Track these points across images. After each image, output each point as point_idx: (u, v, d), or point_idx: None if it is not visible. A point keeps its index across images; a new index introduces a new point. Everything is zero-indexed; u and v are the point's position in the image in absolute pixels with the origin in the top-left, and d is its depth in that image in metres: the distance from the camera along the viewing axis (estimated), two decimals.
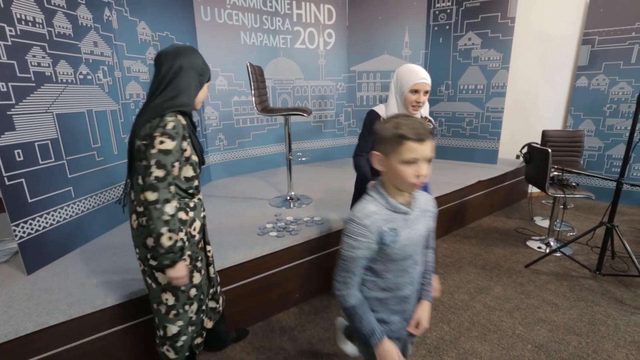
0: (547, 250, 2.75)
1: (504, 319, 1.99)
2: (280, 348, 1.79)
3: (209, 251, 1.49)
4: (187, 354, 1.38)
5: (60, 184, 1.85)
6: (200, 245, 1.36)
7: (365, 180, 1.74)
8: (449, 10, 3.84)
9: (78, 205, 1.96)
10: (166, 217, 1.08)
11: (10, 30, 1.60)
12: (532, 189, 4.10)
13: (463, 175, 3.42)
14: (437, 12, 3.91)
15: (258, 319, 2.00)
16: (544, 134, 3.47)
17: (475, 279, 2.42)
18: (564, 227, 3.23)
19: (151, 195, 1.07)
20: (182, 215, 1.22)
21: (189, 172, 1.21)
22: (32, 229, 1.68)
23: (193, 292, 1.32)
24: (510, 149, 3.92)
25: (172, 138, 1.10)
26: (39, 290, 1.53)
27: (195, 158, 1.23)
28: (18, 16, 1.63)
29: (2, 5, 1.57)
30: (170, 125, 1.10)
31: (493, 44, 3.67)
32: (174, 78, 1.17)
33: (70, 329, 1.38)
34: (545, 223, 3.29)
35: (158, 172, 1.08)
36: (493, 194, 3.57)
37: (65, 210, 1.88)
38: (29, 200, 1.67)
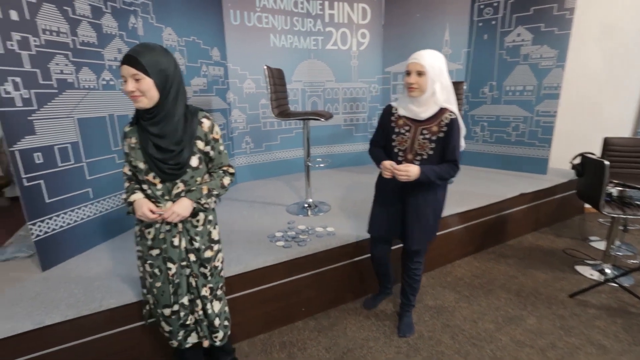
0: (602, 279, 2.36)
1: (535, 358, 1.72)
2: None
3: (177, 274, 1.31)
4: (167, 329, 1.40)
5: (79, 185, 1.94)
6: (154, 253, 1.29)
7: (379, 161, 1.66)
8: (495, 4, 3.48)
9: (96, 206, 2.05)
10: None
11: (35, 41, 1.70)
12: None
13: (504, 187, 3.08)
14: (482, 7, 3.57)
15: (260, 331, 1.94)
16: (606, 141, 3.00)
17: (505, 305, 2.14)
18: (624, 252, 2.77)
19: None
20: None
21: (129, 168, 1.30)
22: (48, 228, 1.78)
23: (143, 279, 1.38)
24: (565, 157, 3.47)
25: None
26: (47, 288, 1.61)
27: (135, 163, 1.24)
28: (43, 27, 1.73)
29: (27, 17, 1.67)
30: None
31: (547, 39, 3.26)
32: None
33: (64, 330, 1.42)
34: (601, 245, 2.84)
35: None
36: (539, 208, 3.18)
37: (83, 210, 1.97)
38: (47, 201, 1.77)
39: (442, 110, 1.56)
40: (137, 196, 1.24)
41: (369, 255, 2.18)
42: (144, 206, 1.20)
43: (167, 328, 1.37)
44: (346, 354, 1.77)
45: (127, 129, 1.25)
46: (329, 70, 3.79)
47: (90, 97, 1.98)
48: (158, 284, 1.31)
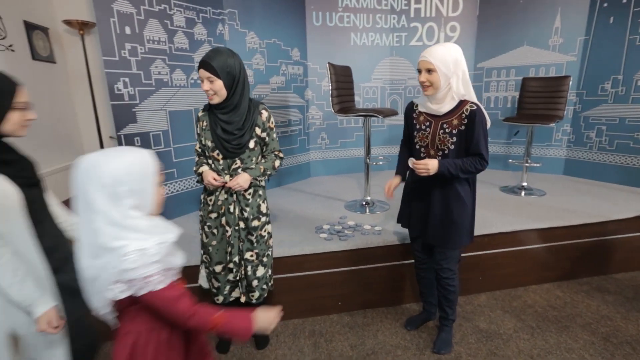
0: None
1: None
2: (299, 350, 1.78)
3: (232, 238, 1.55)
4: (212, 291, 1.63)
5: (167, 165, 2.35)
6: (213, 216, 1.54)
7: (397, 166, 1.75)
8: None
9: (179, 184, 2.46)
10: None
11: (141, 49, 2.14)
12: None
13: (613, 205, 2.49)
14: None
15: (295, 316, 2.03)
16: None
17: (582, 349, 1.75)
18: None
19: None
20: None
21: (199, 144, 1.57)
22: None
23: (202, 241, 1.60)
24: None
25: None
26: None
27: (205, 142, 1.50)
28: (147, 37, 2.16)
29: (137, 31, 2.11)
30: None
31: None
32: None
33: None
34: None
35: None
36: None
37: (169, 187, 2.39)
38: None
39: (463, 103, 1.45)
40: (205, 168, 1.51)
41: (413, 261, 2.07)
42: (209, 175, 1.46)
43: (216, 284, 1.62)
44: (369, 356, 1.73)
45: (200, 114, 1.53)
46: (411, 67, 3.64)
47: (180, 94, 2.38)
48: (214, 243, 1.56)
